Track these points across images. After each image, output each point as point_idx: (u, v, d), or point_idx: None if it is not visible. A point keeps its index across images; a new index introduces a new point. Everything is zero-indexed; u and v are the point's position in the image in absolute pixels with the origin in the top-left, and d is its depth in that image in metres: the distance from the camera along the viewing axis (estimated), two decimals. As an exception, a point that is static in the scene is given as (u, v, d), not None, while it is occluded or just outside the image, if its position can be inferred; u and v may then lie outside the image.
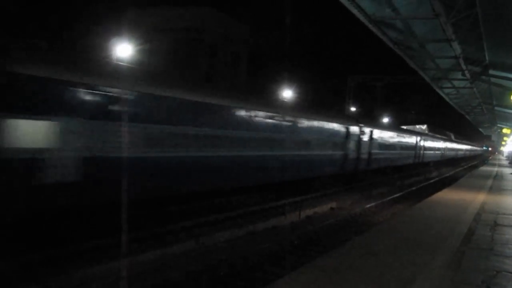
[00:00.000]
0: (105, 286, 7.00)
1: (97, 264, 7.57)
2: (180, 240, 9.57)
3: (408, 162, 33.09)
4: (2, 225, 6.70)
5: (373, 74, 44.73)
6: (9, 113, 6.87)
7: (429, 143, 41.03)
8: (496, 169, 36.16)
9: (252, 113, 13.03)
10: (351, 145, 20.38)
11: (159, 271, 7.73)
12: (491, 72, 18.80)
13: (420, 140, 36.31)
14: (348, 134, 19.88)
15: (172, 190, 10.39)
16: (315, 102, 37.80)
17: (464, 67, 18.68)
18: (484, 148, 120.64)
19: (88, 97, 8.14)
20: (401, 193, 20.07)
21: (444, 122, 67.46)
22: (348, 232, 11.64)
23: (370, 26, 14.22)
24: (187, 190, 10.87)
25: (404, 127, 41.01)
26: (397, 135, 29.66)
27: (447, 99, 32.67)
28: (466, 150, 79.54)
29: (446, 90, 28.76)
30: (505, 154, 77.03)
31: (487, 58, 16.77)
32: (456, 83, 25.23)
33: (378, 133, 24.40)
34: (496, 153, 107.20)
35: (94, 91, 8.19)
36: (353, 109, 44.28)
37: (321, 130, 17.55)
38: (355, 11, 12.96)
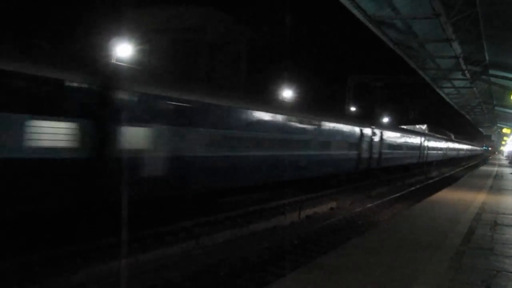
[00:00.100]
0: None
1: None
2: (180, 240, 9.56)
3: (413, 162, 34.60)
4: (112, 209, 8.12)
5: (373, 74, 44.66)
6: (124, 121, 8.64)
7: (432, 143, 42.20)
8: (496, 169, 36.16)
9: (286, 119, 14.92)
10: (365, 145, 22.07)
11: (159, 271, 7.73)
12: (491, 72, 18.82)
13: (424, 141, 37.55)
14: (362, 135, 21.59)
15: (226, 184, 12.22)
16: (315, 102, 37.79)
17: (464, 67, 18.69)
18: (484, 148, 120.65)
19: (173, 108, 9.92)
20: (401, 193, 20.07)
21: (444, 122, 67.44)
22: (348, 232, 11.63)
23: (370, 26, 14.23)
24: (239, 184, 12.73)
25: (404, 127, 41.03)
26: (404, 136, 31.19)
27: (447, 99, 32.70)
28: (467, 150, 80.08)
29: (446, 90, 28.78)
30: (505, 154, 77.05)
31: (487, 58, 16.78)
32: (456, 83, 25.25)
33: (387, 134, 26.04)
34: (496, 153, 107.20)
35: (177, 103, 10.02)
36: (353, 109, 44.25)
37: (340, 132, 19.37)
38: (355, 11, 12.97)
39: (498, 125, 48.27)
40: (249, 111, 12.92)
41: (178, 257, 8.63)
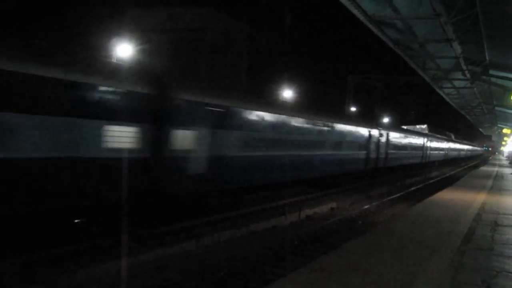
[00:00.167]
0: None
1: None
2: (180, 240, 9.56)
3: (417, 162, 35.71)
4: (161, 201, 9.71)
5: (373, 74, 44.70)
6: (174, 125, 9.98)
7: (434, 144, 43.19)
8: (496, 169, 36.14)
9: (304, 122, 16.22)
10: (372, 146, 23.32)
11: (159, 271, 7.73)
12: (491, 72, 18.80)
13: (427, 141, 38.62)
14: (370, 136, 22.83)
15: (254, 181, 13.49)
16: (315, 102, 37.80)
17: (464, 67, 18.68)
18: (484, 148, 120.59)
19: (212, 113, 11.07)
20: (401, 193, 20.06)
21: (444, 122, 67.44)
22: (348, 232, 11.62)
23: (370, 26, 14.22)
24: (264, 182, 14.03)
25: (405, 127, 41.08)
26: (408, 137, 32.26)
27: (447, 99, 32.67)
28: (468, 150, 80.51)
29: (446, 90, 28.76)
30: (505, 154, 77.02)
31: (487, 58, 16.76)
32: (456, 83, 25.24)
33: (393, 136, 27.19)
34: (496, 153, 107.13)
35: (215, 109, 11.21)
36: (353, 109, 44.24)
37: (351, 134, 20.70)
38: (355, 11, 12.95)
39: (498, 125, 48.22)
40: (273, 115, 14.22)
41: (178, 257, 8.63)
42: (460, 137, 76.26)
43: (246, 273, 7.84)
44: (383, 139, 24.90)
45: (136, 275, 7.34)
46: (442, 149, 49.33)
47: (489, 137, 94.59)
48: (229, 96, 12.95)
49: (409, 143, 32.11)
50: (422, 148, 36.95)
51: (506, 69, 17.52)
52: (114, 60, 16.65)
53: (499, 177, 26.15)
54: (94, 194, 8.31)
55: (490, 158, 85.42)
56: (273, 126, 14.12)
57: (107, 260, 7.73)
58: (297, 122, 15.61)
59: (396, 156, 28.33)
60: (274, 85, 34.71)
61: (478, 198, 14.26)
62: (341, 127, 19.43)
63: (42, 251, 7.47)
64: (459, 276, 5.74)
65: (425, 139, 38.14)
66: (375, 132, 23.59)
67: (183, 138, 10.22)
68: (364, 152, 22.35)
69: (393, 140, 27.17)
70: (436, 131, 53.84)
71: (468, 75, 20.15)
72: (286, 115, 15.05)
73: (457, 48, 15.61)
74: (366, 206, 15.77)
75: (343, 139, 19.66)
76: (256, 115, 13.26)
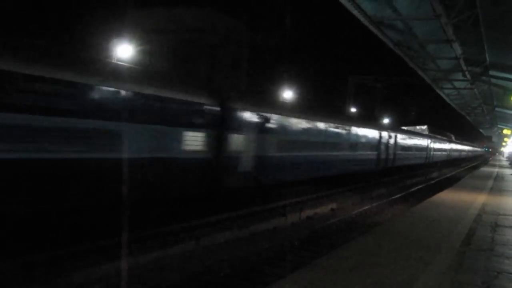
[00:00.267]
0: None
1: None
2: (180, 241, 9.55)
3: (421, 162, 37.61)
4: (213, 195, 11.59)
5: (374, 74, 44.67)
6: (230, 131, 11.93)
7: (437, 145, 44.98)
8: (496, 170, 36.13)
9: (327, 125, 18.12)
10: (383, 147, 25.19)
11: (159, 272, 7.73)
12: (491, 73, 18.79)
13: (430, 143, 40.47)
14: (380, 138, 24.66)
15: (286, 178, 15.28)
16: (315, 103, 37.79)
17: (464, 67, 18.67)
18: (485, 149, 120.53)
19: (255, 119, 13.03)
20: (401, 194, 20.05)
21: (445, 122, 67.37)
22: (349, 233, 11.62)
23: (370, 27, 14.22)
24: (294, 178, 15.92)
25: (405, 127, 41.15)
26: (413, 139, 34.23)
27: (447, 99, 32.68)
28: (469, 151, 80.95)
29: (447, 91, 28.76)
30: (506, 155, 76.99)
31: (487, 59, 16.76)
32: (456, 83, 25.23)
33: (400, 137, 29.12)
34: (497, 154, 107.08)
35: (258, 114, 13.13)
36: (353, 109, 44.22)
37: (364, 136, 22.50)
38: (355, 12, 12.96)
39: (499, 126, 48.18)
40: (302, 120, 16.07)
41: (178, 258, 8.63)
42: (461, 138, 76.33)
43: (246, 274, 7.84)
44: (392, 141, 26.68)
45: (136, 275, 7.33)
46: (445, 150, 50.79)
47: (489, 138, 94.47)
48: (268, 104, 14.86)
49: (414, 144, 33.95)
50: (426, 149, 38.75)
51: (506, 70, 17.51)
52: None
53: (499, 178, 26.14)
54: (177, 187, 10.22)
55: (490, 159, 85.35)
56: (301, 129, 16.02)
57: (106, 261, 7.72)
58: (321, 126, 17.52)
59: (403, 156, 30.28)
60: (274, 85, 34.70)
61: (479, 199, 14.25)
62: (356, 130, 21.34)
63: (42, 252, 7.45)
64: (459, 277, 5.74)
65: (429, 141, 40.07)
66: (385, 134, 25.36)
67: (236, 141, 12.20)
68: (376, 152, 24.25)
69: (401, 141, 29.03)
70: (437, 132, 53.85)
71: (468, 76, 20.15)
72: (313, 120, 16.91)
73: (457, 48, 15.61)
74: (367, 207, 15.77)
75: (358, 141, 21.59)
76: (288, 120, 15.16)
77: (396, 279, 5.47)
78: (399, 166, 29.88)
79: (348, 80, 43.50)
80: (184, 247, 9.26)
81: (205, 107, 11.06)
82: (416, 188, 23.31)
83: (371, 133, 23.46)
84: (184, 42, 39.03)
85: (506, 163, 56.02)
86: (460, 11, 12.38)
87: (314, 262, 6.32)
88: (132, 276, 7.29)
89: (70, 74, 7.76)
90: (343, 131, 19.78)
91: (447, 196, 14.96)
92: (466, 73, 19.47)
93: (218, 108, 11.47)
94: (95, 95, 8.25)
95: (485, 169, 39.33)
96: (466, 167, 50.03)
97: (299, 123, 15.88)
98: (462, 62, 17.66)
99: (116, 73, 9.06)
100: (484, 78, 20.54)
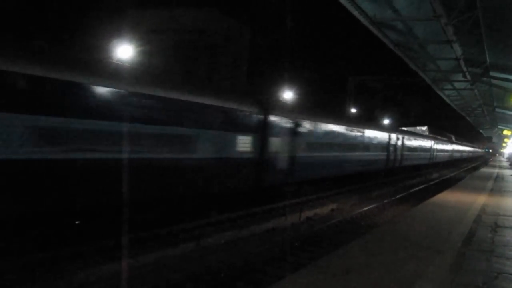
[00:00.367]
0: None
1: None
2: (180, 241, 9.55)
3: (425, 162, 39.10)
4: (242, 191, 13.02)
5: (374, 75, 44.66)
6: (270, 135, 13.68)
7: (440, 146, 46.26)
8: (496, 170, 36.11)
9: (346, 128, 19.88)
10: (391, 148, 26.81)
11: (159, 272, 7.72)
12: (491, 73, 18.79)
13: (434, 144, 41.83)
14: (389, 140, 26.30)
15: (312, 176, 17.00)
16: (315, 103, 37.77)
17: (464, 68, 18.67)
18: (485, 150, 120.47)
19: (292, 125, 14.90)
20: (401, 195, 20.02)
21: (445, 123, 67.33)
22: (349, 233, 11.60)
23: (371, 27, 14.21)
24: (318, 176, 17.67)
25: (405, 128, 41.20)
26: (419, 140, 35.83)
27: (447, 100, 32.66)
28: (469, 151, 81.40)
29: (447, 92, 28.76)
30: (506, 155, 76.96)
31: (487, 59, 16.76)
32: (456, 84, 25.24)
33: (406, 139, 30.75)
34: (497, 154, 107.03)
35: (288, 120, 14.76)
36: (353, 110, 44.19)
37: (376, 138, 24.09)
38: (356, 12, 12.95)
39: (499, 127, 48.16)
40: (324, 124, 17.70)
41: (178, 258, 8.62)
42: (462, 139, 76.40)
43: (246, 275, 7.83)
44: (399, 143, 28.42)
45: (136, 276, 7.33)
46: (447, 151, 52.10)
47: (489, 139, 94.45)
48: (298, 111, 16.47)
49: (419, 145, 35.54)
50: (430, 150, 40.25)
51: (506, 71, 17.52)
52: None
53: (499, 178, 26.12)
54: (231, 183, 12.10)
55: (491, 159, 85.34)
56: (324, 133, 17.71)
57: (106, 262, 7.72)
58: (340, 129, 19.29)
59: (409, 157, 32.00)
60: (274, 86, 34.69)
61: (479, 200, 14.25)
62: (369, 132, 23.03)
63: (42, 252, 7.46)
64: (460, 278, 5.73)
65: (432, 142, 41.60)
66: (393, 136, 27.06)
67: (275, 143, 13.88)
68: (385, 153, 25.94)
69: (407, 143, 30.69)
70: (437, 132, 53.86)
71: (468, 77, 20.15)
72: (333, 124, 18.58)
73: (458, 49, 15.61)
74: (367, 208, 15.74)
75: (371, 143, 23.27)
76: (314, 125, 16.89)
77: (396, 280, 5.47)
78: (406, 166, 31.37)
79: (348, 80, 43.46)
80: (184, 247, 9.26)
81: (252, 115, 12.96)
82: (417, 188, 23.26)
83: (381, 136, 25.11)
84: (184, 43, 39.06)
85: (506, 164, 55.97)
86: (461, 11, 12.37)
87: (314, 263, 6.32)
88: (132, 276, 7.29)
89: (189, 96, 10.54)
90: (359, 134, 21.50)
91: (447, 197, 14.96)
92: (467, 74, 19.46)
93: (262, 116, 13.35)
94: (190, 108, 10.54)
95: (485, 170, 39.31)
96: (466, 168, 50.03)
97: (323, 127, 17.59)
98: (462, 62, 17.65)
99: (199, 90, 11.45)
100: (484, 79, 20.54)
